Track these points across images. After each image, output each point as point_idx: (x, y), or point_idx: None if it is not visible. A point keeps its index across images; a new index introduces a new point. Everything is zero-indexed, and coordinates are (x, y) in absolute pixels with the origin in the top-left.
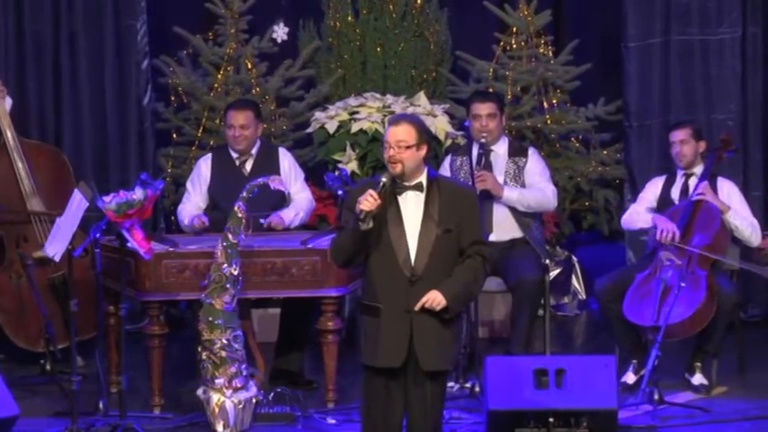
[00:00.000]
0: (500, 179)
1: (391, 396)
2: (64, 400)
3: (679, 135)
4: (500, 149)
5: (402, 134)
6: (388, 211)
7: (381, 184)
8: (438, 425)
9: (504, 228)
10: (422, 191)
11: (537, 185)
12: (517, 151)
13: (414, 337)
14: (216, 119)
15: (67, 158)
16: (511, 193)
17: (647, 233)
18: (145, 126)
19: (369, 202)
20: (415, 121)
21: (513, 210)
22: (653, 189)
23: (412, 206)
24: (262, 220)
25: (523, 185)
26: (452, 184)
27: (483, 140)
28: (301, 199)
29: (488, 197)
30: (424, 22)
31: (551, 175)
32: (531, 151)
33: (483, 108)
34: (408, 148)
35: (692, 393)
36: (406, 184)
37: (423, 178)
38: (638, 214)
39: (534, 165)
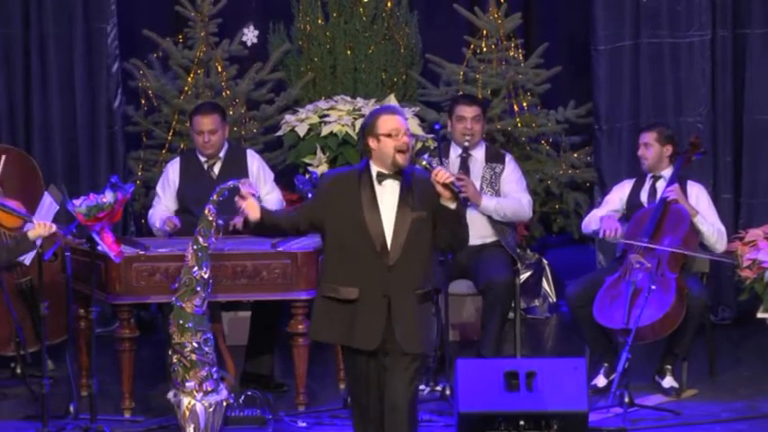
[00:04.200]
0: (476, 184)
1: (372, 374)
2: (34, 403)
3: (644, 138)
4: (477, 154)
5: (406, 123)
6: (364, 198)
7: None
8: (414, 401)
9: (473, 232)
10: (399, 179)
11: (513, 194)
12: (494, 157)
13: (393, 321)
14: (186, 122)
15: (37, 162)
16: (488, 203)
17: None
18: (115, 129)
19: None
20: (402, 111)
21: (489, 217)
22: (618, 193)
23: (388, 193)
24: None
25: (498, 192)
26: (425, 176)
27: (466, 143)
28: (271, 199)
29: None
30: (394, 25)
31: (527, 184)
32: (509, 159)
33: (469, 111)
34: (409, 136)
35: (662, 396)
36: (387, 172)
37: None
38: (595, 217)
39: (511, 173)
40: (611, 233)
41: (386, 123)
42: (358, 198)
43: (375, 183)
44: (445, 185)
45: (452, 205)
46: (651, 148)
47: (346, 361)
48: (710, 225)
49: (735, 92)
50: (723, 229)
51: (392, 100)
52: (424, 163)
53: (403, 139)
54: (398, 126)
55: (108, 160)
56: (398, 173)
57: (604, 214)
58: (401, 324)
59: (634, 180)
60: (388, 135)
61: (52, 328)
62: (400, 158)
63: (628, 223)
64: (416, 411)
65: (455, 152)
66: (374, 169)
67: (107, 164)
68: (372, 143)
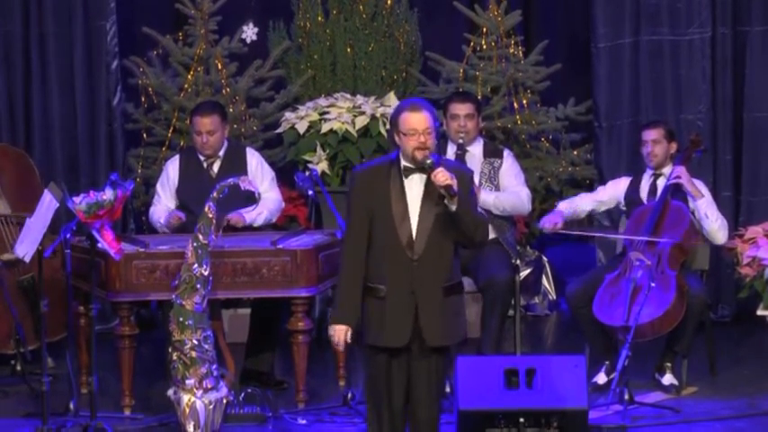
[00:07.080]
0: (475, 180)
1: (396, 372)
2: (34, 400)
3: (651, 135)
4: (475, 150)
5: (428, 121)
6: (392, 192)
7: (430, 162)
8: (440, 398)
9: None
10: (425, 172)
11: (512, 188)
12: (492, 152)
13: (419, 316)
14: (186, 119)
15: (33, 161)
16: (487, 197)
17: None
18: (114, 127)
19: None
20: (429, 107)
21: (488, 212)
22: (611, 190)
23: (415, 188)
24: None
25: (498, 187)
26: (453, 166)
27: (460, 141)
28: (269, 199)
29: None
30: (394, 22)
31: (526, 178)
32: (507, 153)
33: (461, 108)
34: (432, 133)
35: (662, 393)
36: (412, 166)
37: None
38: (572, 202)
39: (510, 167)
40: (549, 226)
41: (405, 122)
42: (388, 191)
43: (403, 176)
44: (442, 187)
45: (452, 207)
46: (659, 144)
47: (368, 358)
48: (716, 210)
49: (735, 89)
50: (725, 222)
51: (392, 98)
52: (428, 161)
53: (420, 138)
54: (416, 126)
55: (108, 158)
56: (423, 167)
57: (566, 206)
58: (427, 319)
59: (630, 178)
60: (407, 134)
61: (52, 325)
62: (419, 155)
63: (627, 220)
64: (442, 405)
65: (451, 149)
66: (402, 162)
67: (107, 161)
68: (397, 138)
